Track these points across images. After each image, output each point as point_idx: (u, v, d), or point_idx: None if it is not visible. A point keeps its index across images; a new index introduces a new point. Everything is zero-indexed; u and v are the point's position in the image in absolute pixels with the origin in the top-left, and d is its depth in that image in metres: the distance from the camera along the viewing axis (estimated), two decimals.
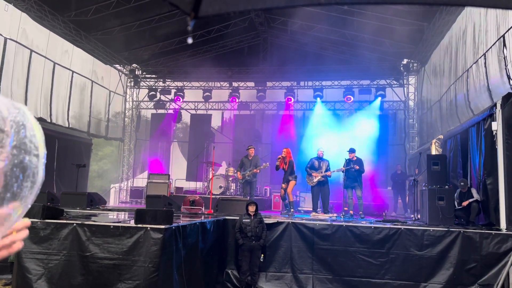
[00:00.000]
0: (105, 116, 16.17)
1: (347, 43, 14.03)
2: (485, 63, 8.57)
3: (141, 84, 17.89)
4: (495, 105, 7.36)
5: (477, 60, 8.98)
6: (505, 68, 7.51)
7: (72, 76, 13.70)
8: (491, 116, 7.47)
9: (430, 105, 13.58)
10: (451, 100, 11.08)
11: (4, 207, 0.65)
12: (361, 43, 13.66)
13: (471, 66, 9.39)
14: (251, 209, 7.53)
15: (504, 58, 7.51)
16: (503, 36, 7.57)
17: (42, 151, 0.69)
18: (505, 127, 7.07)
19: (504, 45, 7.52)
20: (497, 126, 7.22)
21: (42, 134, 0.71)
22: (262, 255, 7.49)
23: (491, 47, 8.23)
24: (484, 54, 8.56)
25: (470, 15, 9.56)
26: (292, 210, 9.74)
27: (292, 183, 9.78)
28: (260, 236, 7.41)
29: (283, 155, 9.85)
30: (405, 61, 15.09)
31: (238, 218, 7.72)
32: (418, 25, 11.93)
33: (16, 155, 0.64)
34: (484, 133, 7.78)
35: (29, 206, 0.70)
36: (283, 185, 9.88)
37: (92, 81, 14.99)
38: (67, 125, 13.48)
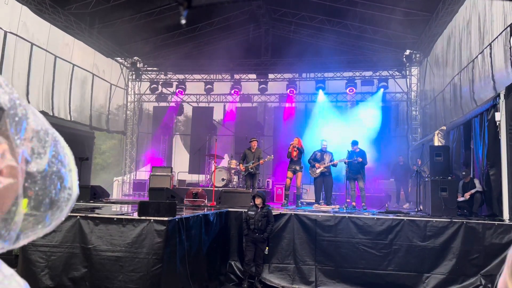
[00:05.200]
0: (107, 109, 16.16)
1: (349, 34, 13.93)
2: (490, 53, 8.48)
3: (142, 77, 17.84)
4: (498, 95, 7.32)
5: (483, 50, 8.89)
6: (510, 58, 7.43)
7: (73, 70, 13.67)
8: (494, 107, 7.43)
9: (433, 96, 13.51)
10: (455, 91, 11.01)
11: (41, 211, 0.69)
12: (363, 34, 13.57)
13: (476, 57, 9.31)
14: (256, 201, 7.52)
15: (510, 48, 7.43)
16: (510, 25, 7.48)
17: (74, 168, 0.75)
18: (508, 117, 7.04)
19: (511, 34, 7.43)
20: (500, 116, 7.18)
21: (71, 153, 0.77)
22: (267, 247, 7.50)
23: (497, 37, 8.14)
24: (490, 44, 8.48)
25: (475, 5, 9.46)
26: (299, 202, 10.02)
27: (300, 174, 9.85)
28: (264, 230, 7.40)
29: (294, 143, 9.88)
30: (407, 52, 14.98)
31: (241, 210, 7.77)
32: (421, 15, 11.82)
33: (54, 164, 0.70)
34: (487, 123, 7.74)
35: (63, 218, 0.76)
36: (289, 173, 9.89)
37: (94, 75, 14.95)
38: (69, 119, 13.48)
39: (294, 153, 9.81)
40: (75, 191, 0.75)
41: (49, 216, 0.70)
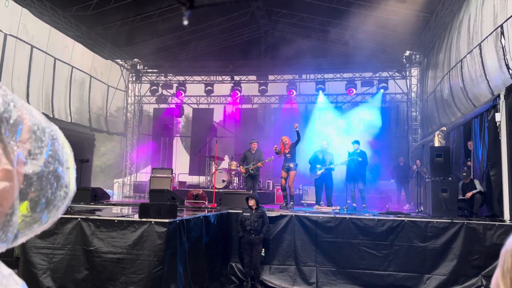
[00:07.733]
0: (107, 111, 16.17)
1: (349, 35, 13.93)
2: (480, 53, 8.51)
3: (142, 79, 17.87)
4: (498, 96, 7.32)
5: (472, 50, 8.92)
6: (504, 58, 7.44)
7: (71, 71, 13.68)
8: (494, 107, 7.43)
9: (430, 96, 13.55)
10: (446, 90, 11.04)
11: (37, 211, 0.69)
12: (363, 35, 13.57)
13: (465, 56, 9.35)
14: (250, 203, 7.56)
15: (503, 48, 7.44)
16: (501, 25, 7.49)
17: (73, 165, 0.75)
18: (508, 118, 7.04)
19: (502, 34, 7.45)
20: (500, 117, 7.19)
21: (71, 150, 0.77)
22: (263, 249, 7.49)
23: (487, 37, 8.16)
24: (480, 44, 8.50)
25: (468, 5, 9.51)
26: (291, 203, 9.39)
27: (292, 173, 9.40)
28: (260, 230, 7.40)
29: (284, 141, 9.60)
30: (407, 53, 15.00)
31: (241, 211, 7.78)
32: (421, 16, 11.83)
33: (51, 163, 0.69)
34: (487, 124, 7.75)
35: (59, 216, 0.74)
36: (283, 173, 9.52)
37: (92, 77, 14.94)
38: (69, 120, 13.49)
39: (283, 149, 9.45)
40: (72, 189, 0.74)
41: (46, 215, 0.70)
